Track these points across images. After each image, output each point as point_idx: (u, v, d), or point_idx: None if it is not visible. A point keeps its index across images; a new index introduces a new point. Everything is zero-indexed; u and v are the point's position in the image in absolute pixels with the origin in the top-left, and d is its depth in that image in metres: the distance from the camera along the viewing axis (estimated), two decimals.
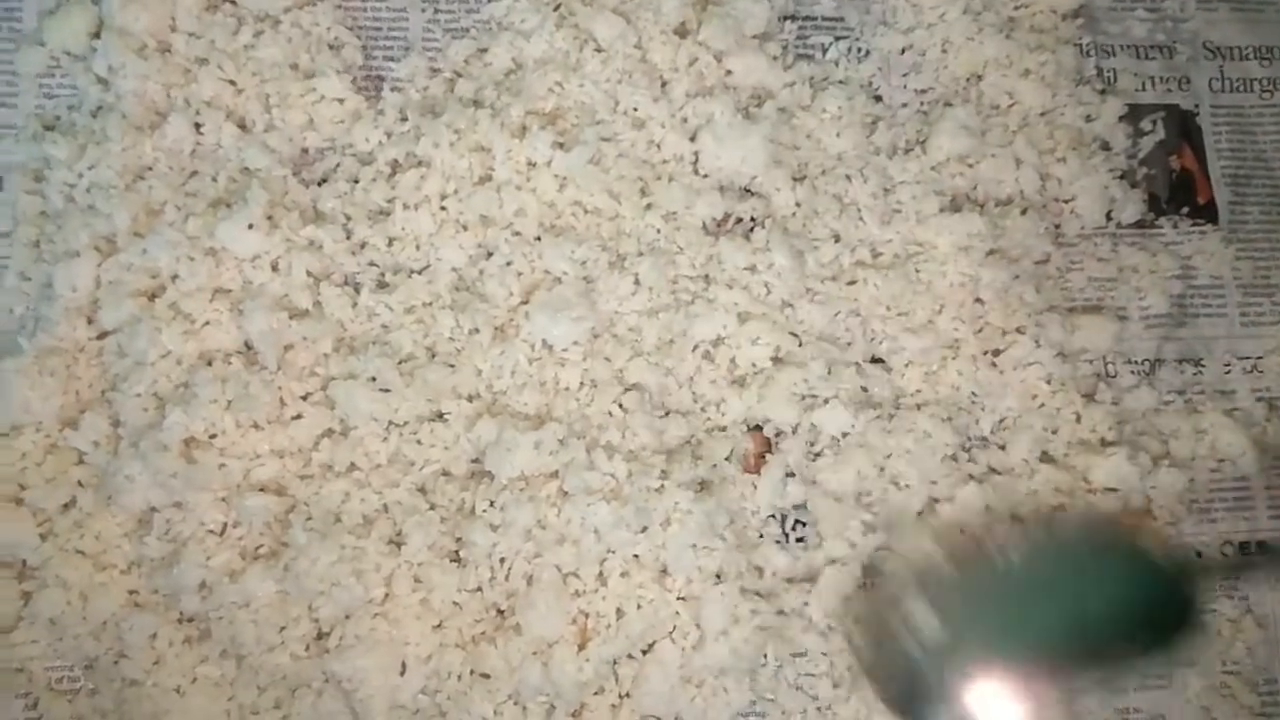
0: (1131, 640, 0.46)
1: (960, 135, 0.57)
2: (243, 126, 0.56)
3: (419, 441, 0.52)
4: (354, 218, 0.55)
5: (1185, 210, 0.61)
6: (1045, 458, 0.55)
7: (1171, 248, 0.60)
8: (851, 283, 0.56)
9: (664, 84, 0.57)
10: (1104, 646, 0.46)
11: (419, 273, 0.54)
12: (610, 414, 0.53)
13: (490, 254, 0.54)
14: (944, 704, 0.47)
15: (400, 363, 0.53)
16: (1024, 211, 0.58)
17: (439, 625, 0.51)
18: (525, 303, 0.54)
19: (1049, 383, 0.55)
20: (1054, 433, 0.55)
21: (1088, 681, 0.46)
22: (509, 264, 0.54)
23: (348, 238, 0.55)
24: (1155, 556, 0.48)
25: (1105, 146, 0.60)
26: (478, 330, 0.53)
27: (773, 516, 0.54)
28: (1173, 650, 0.47)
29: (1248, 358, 0.60)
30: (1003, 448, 0.55)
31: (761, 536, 0.54)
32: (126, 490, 0.51)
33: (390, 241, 0.55)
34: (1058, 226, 0.59)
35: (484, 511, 0.51)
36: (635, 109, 0.57)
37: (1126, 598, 0.47)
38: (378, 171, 0.56)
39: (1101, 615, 0.46)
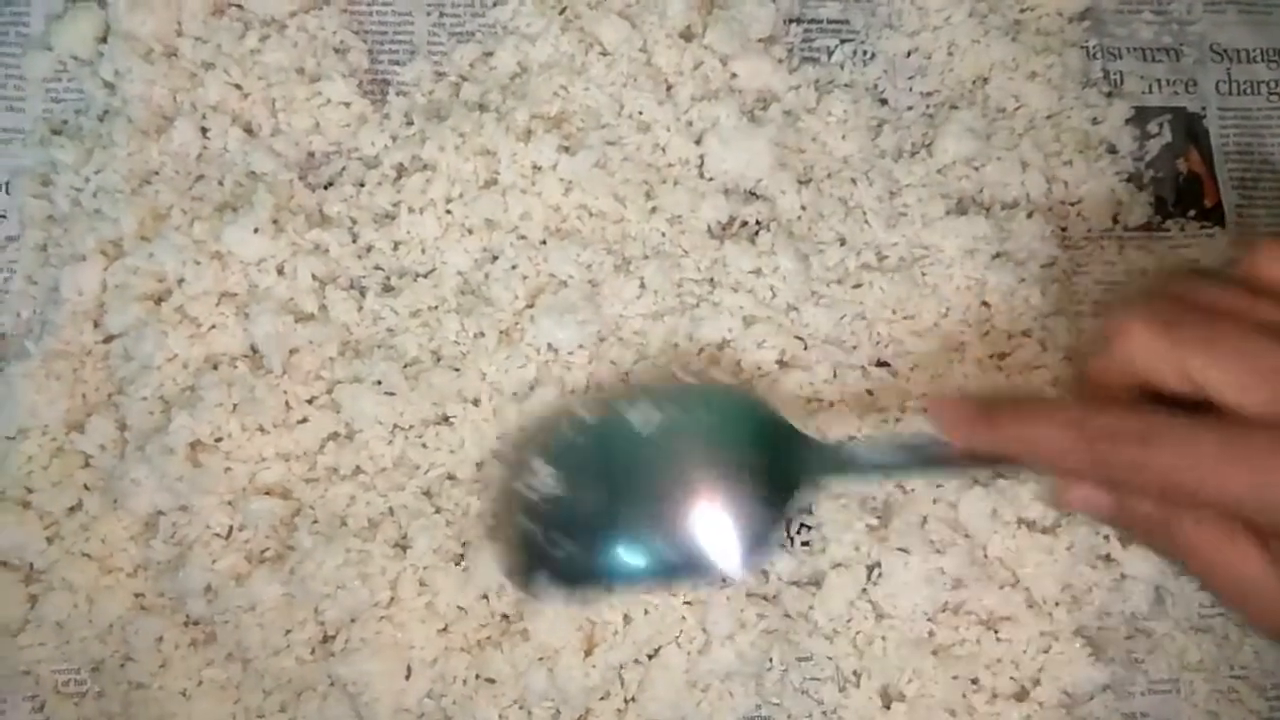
0: (748, 503, 0.47)
1: (966, 138, 0.57)
2: (249, 131, 0.56)
3: (424, 445, 0.53)
4: (359, 221, 0.55)
5: (1192, 213, 0.61)
6: None
7: (1178, 250, 0.60)
8: (857, 286, 0.56)
9: (669, 87, 0.57)
10: (721, 505, 0.47)
11: (424, 276, 0.54)
12: None
13: (495, 257, 0.54)
14: (566, 561, 0.47)
15: (405, 366, 0.53)
16: (1030, 214, 0.58)
17: (444, 629, 0.51)
18: (530, 306, 0.54)
19: (1055, 386, 0.55)
20: None
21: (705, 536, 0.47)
22: (514, 267, 0.54)
23: (353, 241, 0.55)
24: (771, 427, 0.48)
25: (1112, 149, 0.60)
26: (483, 334, 0.53)
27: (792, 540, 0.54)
28: (778, 514, 0.47)
29: None
30: None
31: None
32: (133, 493, 0.51)
33: (396, 245, 0.55)
34: (1064, 229, 0.59)
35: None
36: (640, 112, 0.57)
37: (741, 460, 0.47)
38: (383, 175, 0.56)
39: (720, 474, 0.47)
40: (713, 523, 0.46)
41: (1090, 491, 0.42)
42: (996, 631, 0.53)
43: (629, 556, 0.47)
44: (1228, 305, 0.40)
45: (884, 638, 0.52)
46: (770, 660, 0.53)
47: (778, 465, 0.47)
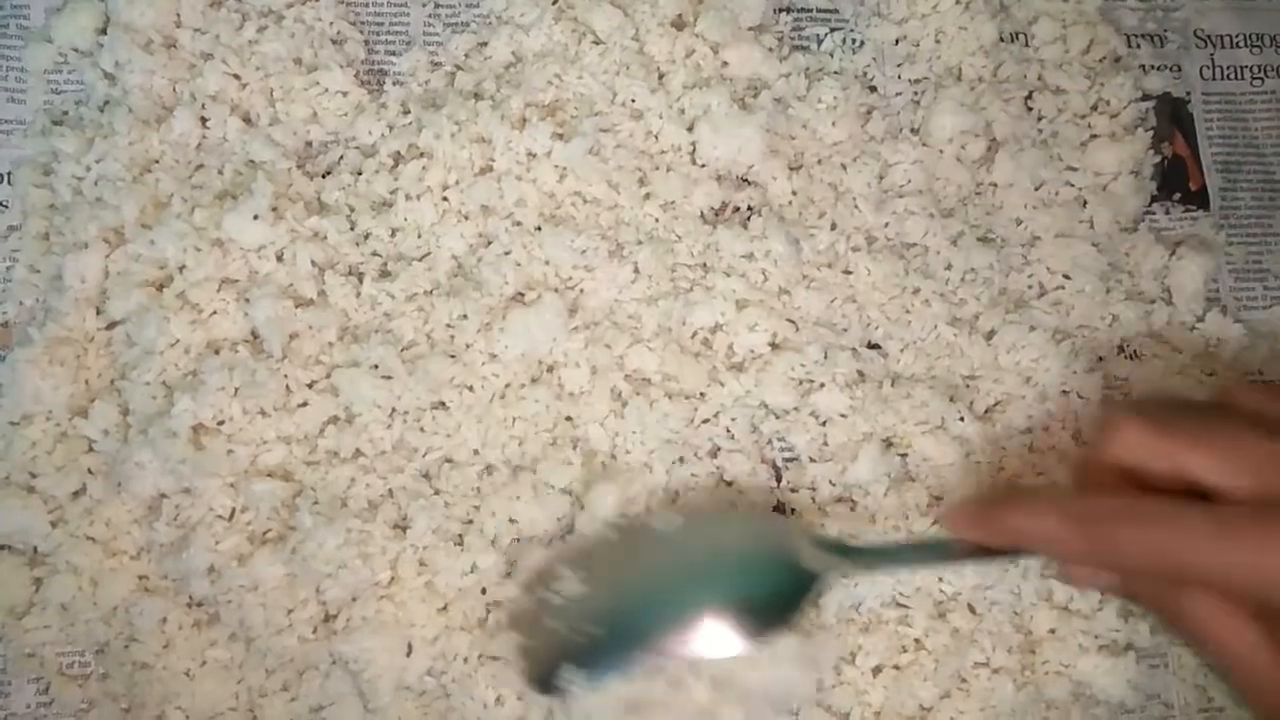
0: (757, 616, 0.48)
1: (961, 113, 0.58)
2: (247, 120, 0.57)
3: (422, 429, 0.53)
4: (357, 209, 0.56)
5: (1177, 196, 0.62)
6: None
7: (1164, 234, 0.61)
8: (847, 271, 0.57)
9: (661, 75, 0.58)
10: (739, 607, 0.48)
11: (420, 261, 0.55)
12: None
13: (490, 243, 0.55)
14: (590, 648, 0.48)
15: (402, 350, 0.54)
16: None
17: (444, 608, 0.52)
18: (526, 291, 0.54)
19: (1039, 362, 0.56)
20: (1048, 414, 0.56)
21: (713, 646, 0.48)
22: (508, 253, 0.55)
23: (351, 228, 0.56)
24: (795, 550, 0.49)
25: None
26: (479, 318, 0.54)
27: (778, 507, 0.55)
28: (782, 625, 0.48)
29: None
30: (995, 427, 0.56)
31: None
32: (136, 477, 0.51)
33: (393, 232, 0.56)
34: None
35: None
36: (633, 100, 0.57)
37: (760, 581, 0.49)
38: (380, 163, 0.56)
39: (738, 582, 0.49)
40: (726, 616, 0.48)
41: (1092, 571, 0.46)
42: (991, 607, 0.54)
43: (643, 645, 0.48)
44: (1212, 410, 0.46)
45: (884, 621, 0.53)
46: None
47: (794, 567, 0.49)
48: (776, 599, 0.48)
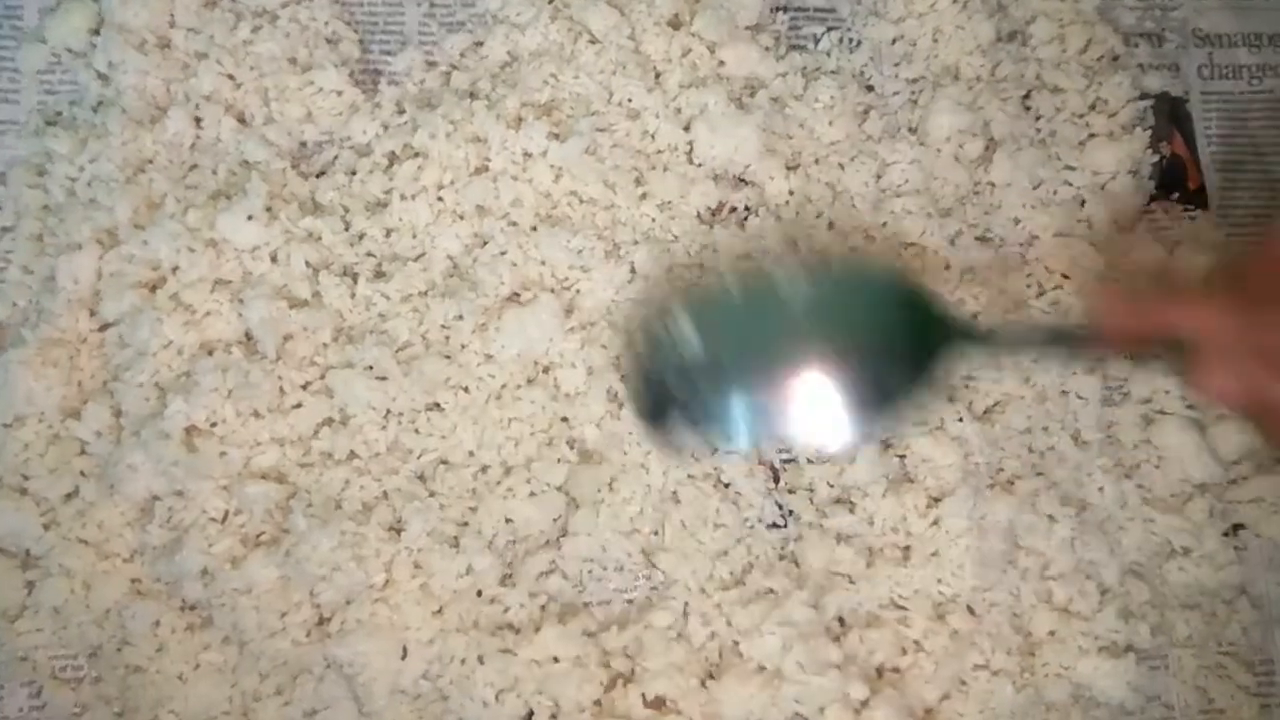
0: (889, 374, 0.48)
1: (958, 112, 0.58)
2: (242, 120, 0.57)
3: (417, 431, 0.53)
4: (352, 209, 0.56)
5: (1176, 196, 0.61)
6: None
7: (1163, 233, 0.61)
8: None
9: (658, 75, 0.58)
10: (861, 375, 0.47)
11: (415, 261, 0.55)
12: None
13: (486, 243, 0.55)
14: (693, 415, 0.48)
15: (397, 351, 0.53)
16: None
17: (439, 611, 0.51)
18: (522, 291, 0.54)
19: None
20: (1048, 414, 0.55)
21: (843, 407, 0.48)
22: (504, 253, 0.55)
23: (346, 229, 0.55)
24: (926, 306, 0.49)
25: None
26: (473, 319, 0.54)
27: (779, 507, 0.55)
28: (918, 386, 0.48)
29: None
30: (994, 428, 0.55)
31: (753, 526, 0.55)
32: (129, 479, 0.51)
33: (388, 232, 0.55)
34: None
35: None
36: (629, 100, 0.57)
37: (889, 335, 0.48)
38: (375, 163, 0.56)
39: (862, 347, 0.48)
40: (837, 389, 0.47)
41: (1226, 380, 0.44)
42: (990, 608, 0.53)
43: (751, 411, 0.48)
44: None
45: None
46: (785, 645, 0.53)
47: (917, 339, 0.48)
48: (905, 358, 0.48)
